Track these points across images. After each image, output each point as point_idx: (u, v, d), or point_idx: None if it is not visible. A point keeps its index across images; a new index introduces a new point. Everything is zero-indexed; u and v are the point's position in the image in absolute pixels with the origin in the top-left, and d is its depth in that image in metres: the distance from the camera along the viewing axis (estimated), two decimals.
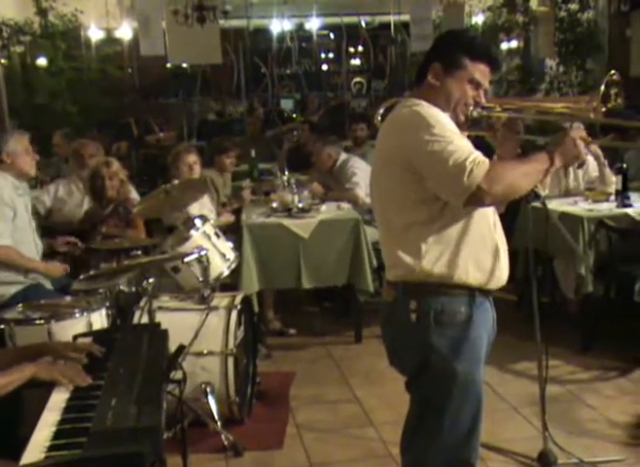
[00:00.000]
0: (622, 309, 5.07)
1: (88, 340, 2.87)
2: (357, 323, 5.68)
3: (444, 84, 2.57)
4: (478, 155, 2.35)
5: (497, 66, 2.65)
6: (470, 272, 2.52)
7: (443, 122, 2.44)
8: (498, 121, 2.66)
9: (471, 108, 2.58)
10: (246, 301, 4.49)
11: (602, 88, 2.47)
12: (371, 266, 5.49)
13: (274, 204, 5.95)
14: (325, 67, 17.14)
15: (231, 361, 4.08)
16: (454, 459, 2.62)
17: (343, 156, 6.58)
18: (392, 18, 14.21)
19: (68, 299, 4.06)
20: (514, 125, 2.64)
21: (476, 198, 2.33)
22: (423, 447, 2.62)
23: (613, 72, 2.54)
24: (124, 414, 2.10)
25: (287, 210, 5.79)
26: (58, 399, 2.31)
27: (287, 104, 15.31)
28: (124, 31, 12.67)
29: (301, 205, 5.82)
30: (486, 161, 2.34)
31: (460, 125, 2.55)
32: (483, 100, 2.60)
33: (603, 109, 2.45)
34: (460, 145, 2.37)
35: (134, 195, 5.72)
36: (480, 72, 2.57)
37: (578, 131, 2.50)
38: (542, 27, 11.68)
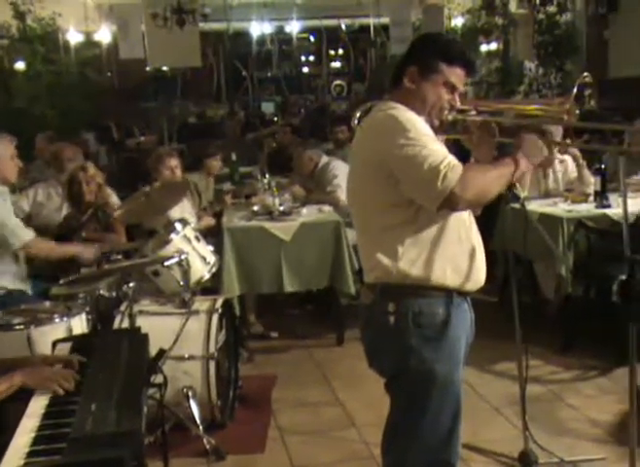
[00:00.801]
0: (602, 309, 5.10)
1: (67, 345, 2.86)
2: (339, 326, 5.69)
3: (420, 87, 2.58)
4: (451, 159, 2.37)
5: (472, 70, 2.67)
6: (447, 274, 2.54)
7: (418, 126, 2.46)
8: (473, 124, 2.67)
9: (446, 112, 2.60)
10: (227, 304, 4.49)
11: (575, 90, 2.49)
12: (352, 268, 5.49)
13: (255, 207, 5.95)
14: (305, 70, 17.16)
15: (212, 365, 4.07)
16: (435, 460, 2.63)
17: (324, 159, 6.60)
18: (372, 21, 14.26)
19: (48, 304, 4.03)
20: (489, 128, 2.66)
21: (449, 203, 2.35)
22: (403, 447, 2.63)
23: (585, 74, 2.57)
24: (104, 420, 2.09)
25: (268, 213, 5.78)
26: (38, 405, 2.30)
27: (268, 107, 15.32)
28: (103, 34, 12.64)
29: (282, 208, 5.82)
30: (459, 165, 2.36)
31: (436, 129, 2.57)
32: (459, 104, 2.61)
33: (577, 111, 2.47)
34: (435, 149, 2.38)
35: (114, 198, 5.70)
36: (456, 76, 2.58)
37: (533, 135, 2.53)
38: (521, 30, 11.77)
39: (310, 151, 6.62)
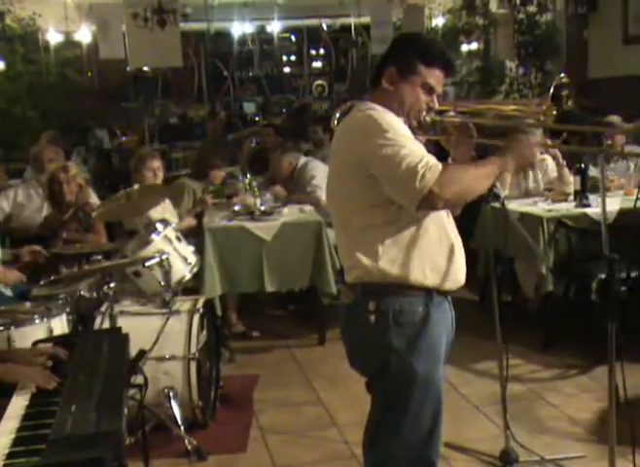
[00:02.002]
0: (582, 308, 5.15)
1: (48, 345, 2.85)
2: (320, 325, 5.70)
3: (398, 88, 2.59)
4: (429, 158, 2.38)
5: (452, 71, 2.68)
6: (427, 274, 2.55)
7: (396, 126, 2.46)
8: (451, 125, 2.68)
9: (424, 113, 2.61)
10: (208, 304, 4.48)
11: (552, 90, 2.50)
12: (333, 268, 5.49)
13: (236, 208, 5.94)
14: (287, 70, 17.15)
15: (193, 365, 4.06)
16: (416, 458, 2.64)
17: (302, 160, 6.60)
18: (353, 21, 14.27)
19: (28, 305, 4.01)
20: (467, 129, 2.67)
21: (428, 203, 2.36)
22: (384, 446, 2.64)
23: (562, 75, 2.58)
24: (84, 420, 2.08)
25: (249, 213, 5.78)
26: (17, 406, 2.29)
27: (249, 107, 15.31)
28: (84, 34, 12.57)
29: (263, 208, 5.82)
30: (438, 164, 2.37)
31: (414, 130, 2.58)
32: (437, 105, 2.62)
33: (554, 112, 2.49)
34: (413, 149, 2.39)
35: (94, 199, 5.68)
36: (435, 78, 2.59)
37: (531, 136, 2.55)
38: (501, 30, 11.80)
39: (288, 155, 6.61)
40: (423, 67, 2.57)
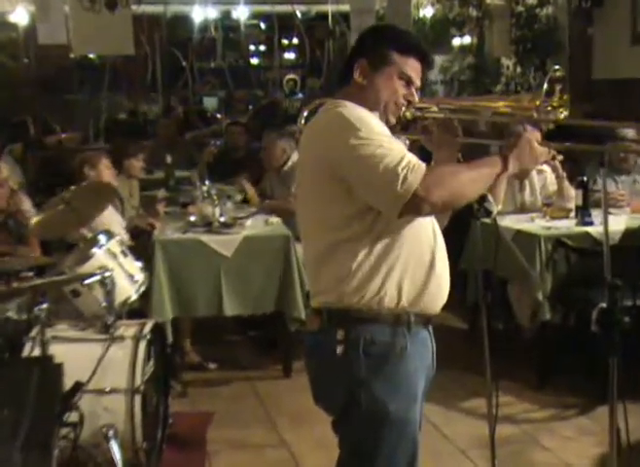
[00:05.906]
0: (582, 340, 5.17)
1: None
2: (286, 355, 5.69)
3: (372, 81, 2.60)
4: (411, 158, 2.37)
5: (428, 62, 2.70)
6: (402, 294, 2.52)
7: (370, 122, 2.46)
8: (433, 122, 2.69)
9: (403, 108, 2.62)
10: (157, 329, 4.45)
11: (545, 85, 2.52)
12: (302, 289, 5.47)
13: (192, 218, 5.92)
14: (254, 61, 17.18)
15: (137, 400, 4.02)
16: None
17: (295, 156, 6.51)
18: (330, 8, 14.32)
19: None
20: (450, 127, 2.68)
21: (412, 208, 2.34)
22: None
23: (557, 67, 2.62)
24: (7, 463, 2.06)
25: (207, 225, 5.76)
26: None
27: (210, 103, 15.31)
28: (20, 15, 12.50)
29: (222, 219, 5.79)
30: (422, 164, 2.36)
31: (392, 128, 2.58)
32: (417, 99, 2.63)
33: (548, 108, 2.50)
34: (391, 148, 2.38)
35: (27, 206, 5.62)
36: (411, 67, 2.61)
37: (533, 134, 2.55)
38: (497, 23, 11.90)
39: (284, 141, 6.56)
40: (397, 56, 2.59)
